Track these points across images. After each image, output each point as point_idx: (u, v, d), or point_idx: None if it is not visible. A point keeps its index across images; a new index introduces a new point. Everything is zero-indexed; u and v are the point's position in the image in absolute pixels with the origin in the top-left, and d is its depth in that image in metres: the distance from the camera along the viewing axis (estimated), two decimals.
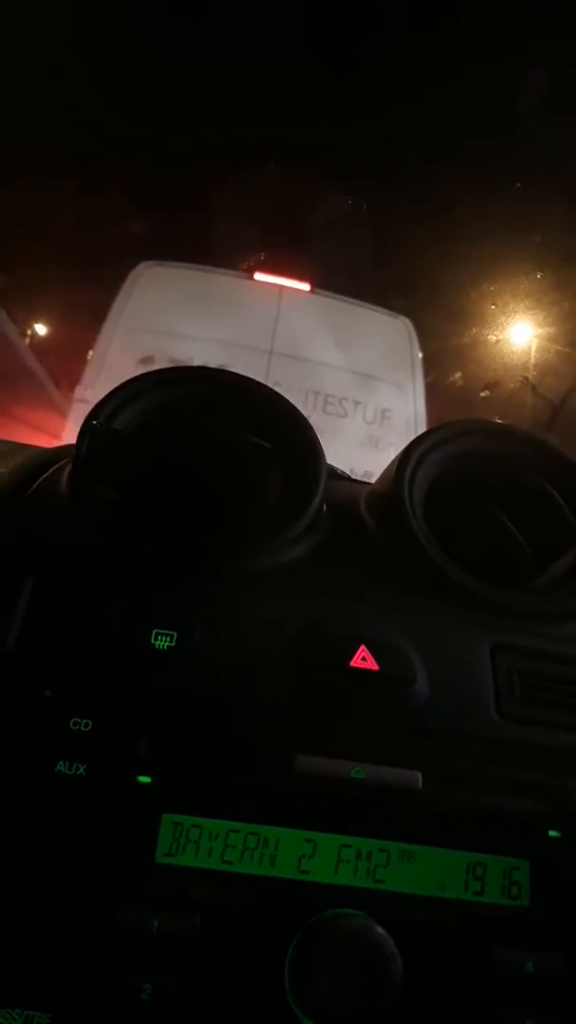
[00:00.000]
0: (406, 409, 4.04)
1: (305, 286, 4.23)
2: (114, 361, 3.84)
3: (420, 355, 4.23)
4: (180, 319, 3.87)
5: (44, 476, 0.69)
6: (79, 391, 3.98)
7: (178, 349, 3.71)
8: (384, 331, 4.25)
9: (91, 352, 4.12)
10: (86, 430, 0.64)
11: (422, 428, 4.08)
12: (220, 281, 4.25)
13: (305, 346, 3.92)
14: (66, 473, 0.67)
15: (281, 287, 4.15)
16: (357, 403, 3.92)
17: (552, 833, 0.54)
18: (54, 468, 0.70)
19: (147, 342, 3.82)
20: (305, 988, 0.46)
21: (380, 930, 0.48)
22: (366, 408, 3.94)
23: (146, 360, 3.75)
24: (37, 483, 0.68)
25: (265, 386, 0.71)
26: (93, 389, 3.90)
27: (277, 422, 0.69)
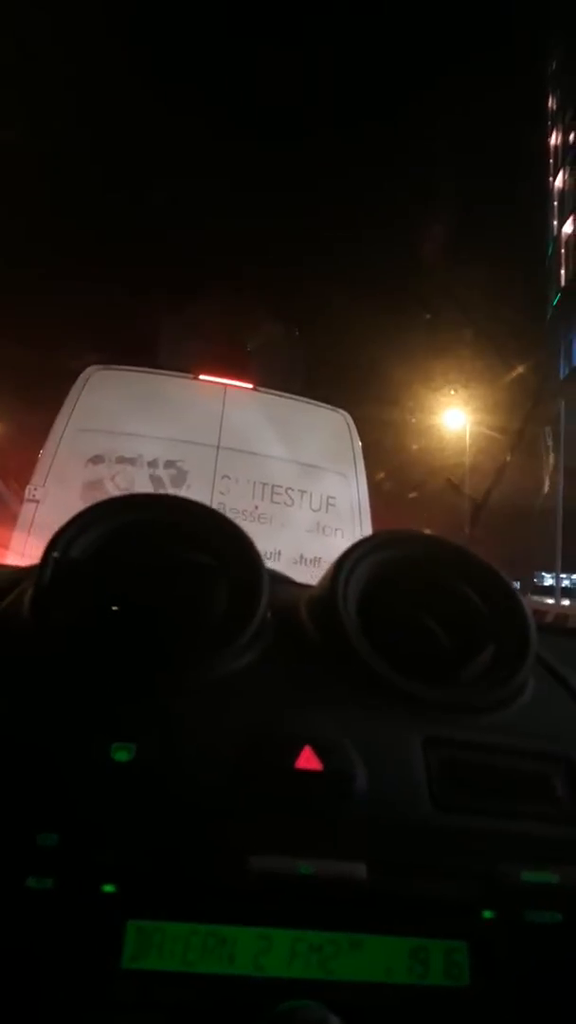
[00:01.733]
0: (350, 496, 4.15)
1: (248, 384, 4.37)
2: (63, 460, 3.86)
3: (360, 444, 4.39)
4: (128, 419, 3.94)
5: (7, 600, 0.73)
6: (29, 491, 4.00)
7: (127, 448, 3.80)
8: (325, 424, 4.39)
9: (41, 452, 4.19)
10: (45, 561, 0.69)
11: (366, 513, 4.17)
12: (166, 382, 4.34)
13: (251, 440, 4.03)
14: (27, 596, 0.71)
15: (225, 386, 4.26)
16: (303, 492, 4.03)
17: (486, 914, 0.57)
18: (17, 591, 0.74)
19: (96, 442, 3.88)
20: None
21: (335, 1019, 0.50)
22: (312, 496, 4.05)
23: (95, 459, 3.80)
24: (2, 605, 0.72)
25: (209, 508, 0.77)
26: (43, 488, 3.94)
27: (222, 541, 0.75)
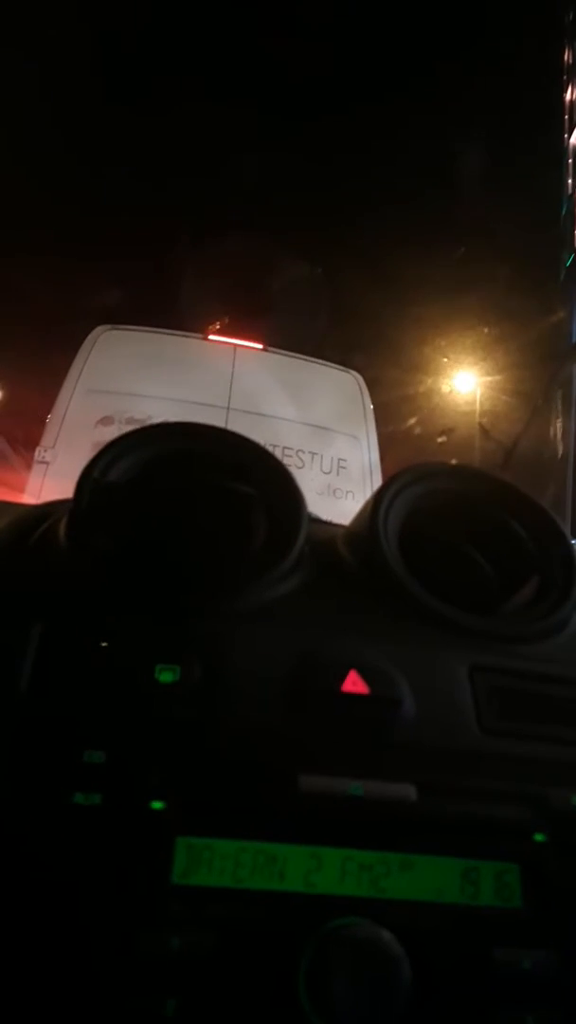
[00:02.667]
0: (361, 459, 4.14)
1: (258, 345, 4.35)
2: (73, 422, 3.84)
3: (371, 407, 4.36)
4: (137, 380, 3.91)
5: (41, 529, 0.72)
6: (39, 453, 3.98)
7: (137, 409, 3.74)
8: (336, 385, 4.37)
9: (49, 415, 4.18)
10: (83, 483, 0.68)
11: (377, 476, 4.16)
12: (176, 342, 4.32)
13: (261, 402, 4.00)
14: (62, 525, 0.70)
15: (235, 346, 4.24)
16: (314, 454, 4.00)
17: (538, 837, 0.57)
18: (49, 521, 0.73)
19: (105, 403, 3.84)
20: (319, 994, 0.48)
21: (387, 935, 0.50)
22: (323, 459, 4.02)
23: (105, 420, 3.76)
24: (35, 536, 0.71)
25: (247, 439, 0.76)
26: (53, 450, 3.93)
27: (261, 472, 0.74)
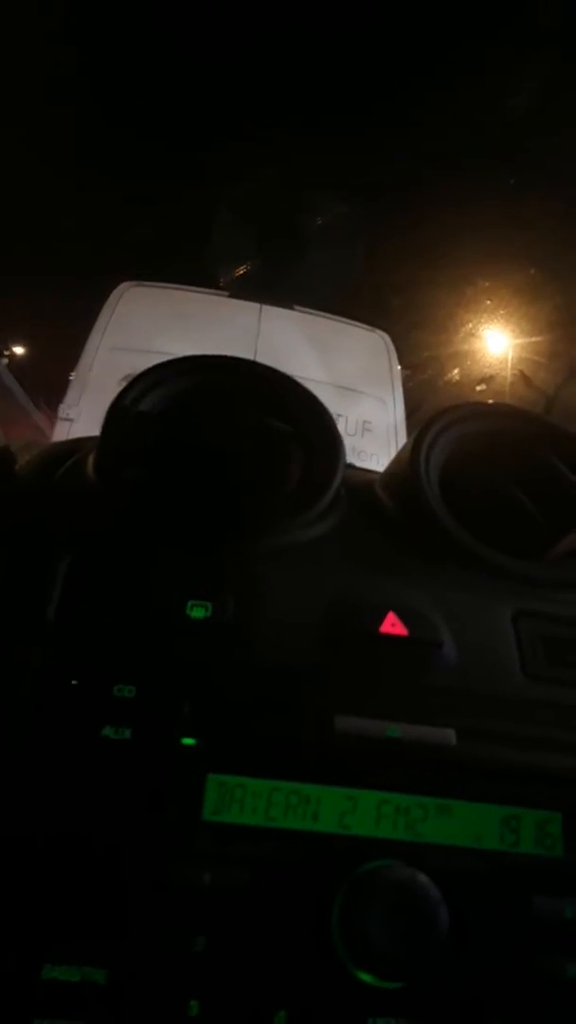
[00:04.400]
0: (387, 420, 4.09)
1: (284, 304, 4.28)
2: (97, 380, 3.84)
3: (398, 368, 4.30)
4: (162, 338, 3.83)
5: (67, 464, 0.70)
6: (62, 410, 3.96)
7: None
8: (362, 346, 4.31)
9: (73, 373, 4.16)
10: (114, 412, 0.66)
11: (402, 438, 4.10)
12: (201, 300, 4.27)
13: (286, 361, 3.93)
14: (89, 460, 0.68)
15: (261, 304, 4.19)
16: (339, 416, 3.94)
17: None
18: (76, 457, 0.71)
19: (130, 360, 3.77)
20: (353, 936, 0.47)
21: (424, 878, 0.49)
22: (347, 421, 3.97)
23: (128, 378, 3.82)
24: (61, 470, 0.69)
25: (286, 375, 0.74)
26: (76, 408, 3.90)
27: (298, 408, 0.72)
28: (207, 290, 4.37)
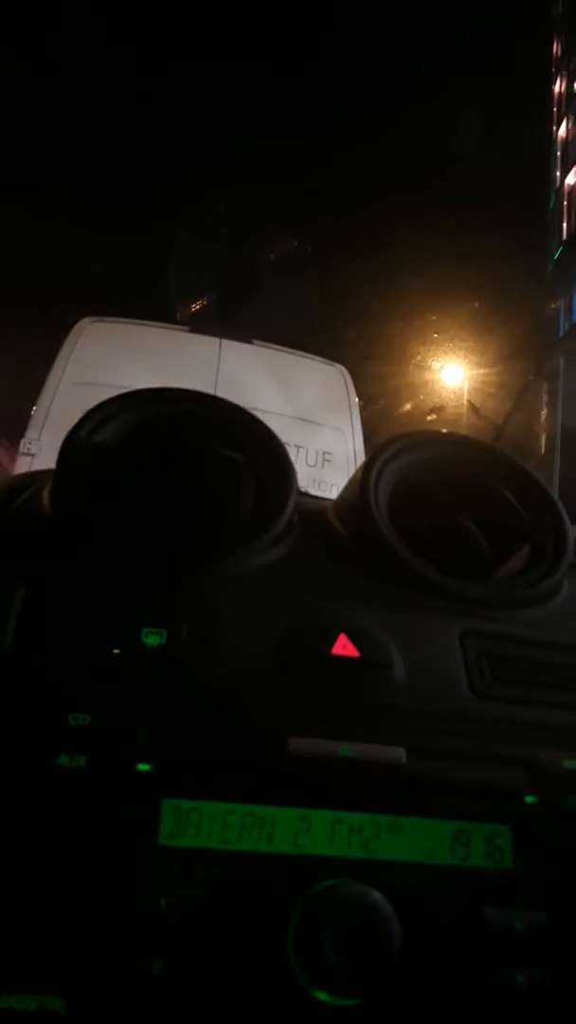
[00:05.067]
0: (346, 451, 4.16)
1: (244, 338, 4.33)
2: (58, 414, 3.84)
3: (356, 400, 4.37)
4: (123, 372, 3.84)
5: (24, 495, 0.71)
6: (23, 445, 3.96)
7: None
8: (322, 378, 4.38)
9: (34, 408, 4.15)
10: (69, 443, 0.68)
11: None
12: (161, 334, 4.32)
13: (246, 394, 3.98)
14: (45, 491, 0.69)
15: (221, 338, 4.22)
16: (299, 447, 3.99)
17: (529, 799, 0.56)
18: (33, 488, 0.72)
19: (91, 395, 3.80)
20: (309, 955, 0.47)
21: (377, 895, 0.49)
22: (308, 452, 4.03)
23: None
24: (18, 501, 0.70)
25: (238, 406, 0.76)
26: (38, 442, 3.90)
27: (250, 438, 0.73)
28: (167, 325, 4.42)
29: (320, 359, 4.51)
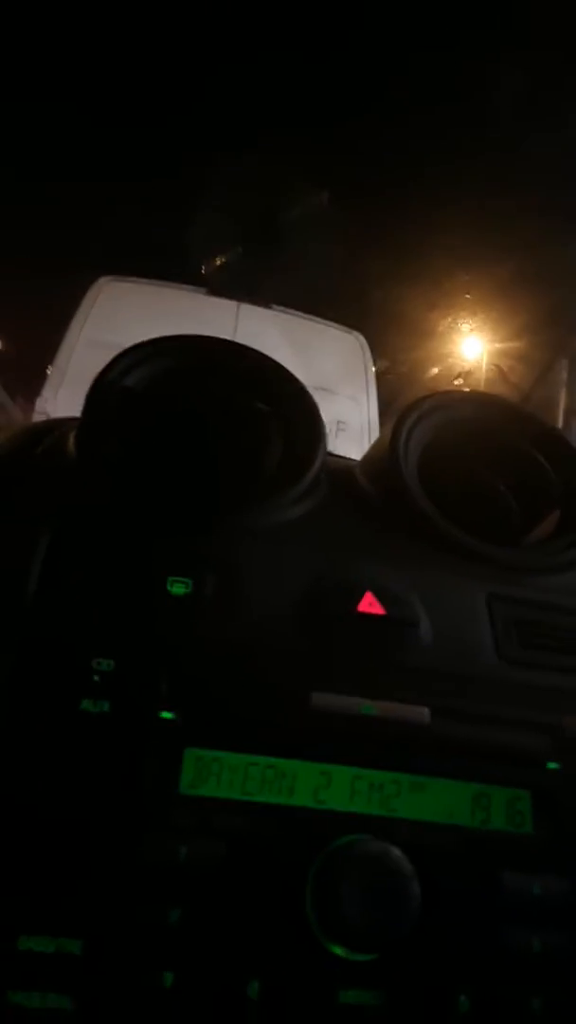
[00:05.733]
0: (361, 420, 4.12)
1: (262, 302, 4.30)
2: (75, 374, 3.83)
3: (373, 368, 4.32)
4: (140, 333, 3.85)
5: (47, 440, 0.70)
6: (39, 404, 3.94)
7: None
8: (339, 346, 4.33)
9: (50, 367, 4.14)
10: (97, 387, 0.66)
11: (376, 436, 4.20)
12: (178, 296, 4.27)
13: None
14: (70, 437, 0.68)
15: (239, 302, 4.21)
16: None
17: (551, 765, 0.56)
18: (56, 434, 0.71)
19: (107, 355, 3.82)
20: (326, 909, 0.47)
21: (397, 852, 0.49)
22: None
23: None
24: (41, 447, 0.69)
25: (271, 359, 0.73)
26: (54, 402, 3.89)
27: (281, 392, 0.72)
28: (185, 286, 4.37)
29: (338, 326, 4.46)
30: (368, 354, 4.35)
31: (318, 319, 4.46)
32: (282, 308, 4.38)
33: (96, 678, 0.52)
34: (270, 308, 4.33)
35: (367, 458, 0.77)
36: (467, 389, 0.77)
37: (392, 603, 0.59)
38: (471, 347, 12.28)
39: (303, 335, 4.26)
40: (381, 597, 0.59)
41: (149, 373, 0.70)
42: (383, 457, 0.72)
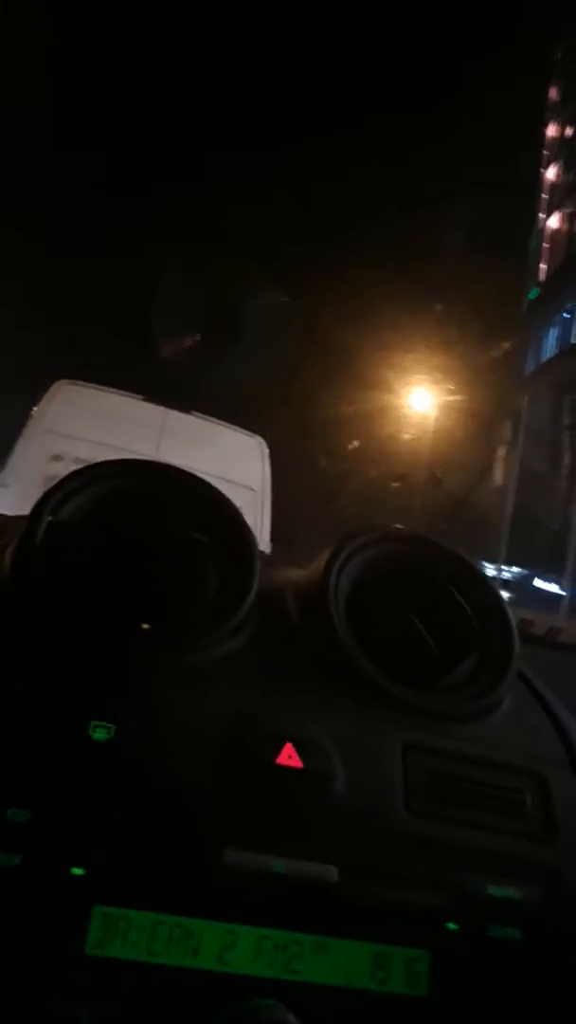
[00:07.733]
0: (255, 514, 4.65)
1: (184, 410, 4.95)
2: (31, 456, 4.41)
3: (269, 470, 4.97)
4: (86, 427, 4.48)
5: None
6: (1, 477, 4.39)
7: (83, 452, 4.22)
8: (243, 447, 5.01)
9: (10, 455, 4.60)
10: (34, 518, 0.59)
11: (266, 532, 4.71)
12: (121, 400, 4.91)
13: (182, 455, 4.49)
14: (9, 551, 0.61)
15: (166, 408, 4.86)
16: None
17: (450, 926, 0.52)
18: (2, 540, 0.63)
19: (58, 444, 4.40)
20: None
21: (293, 1019, 0.46)
22: None
23: (56, 458, 4.33)
24: None
25: (205, 481, 0.67)
26: (14, 476, 4.42)
27: (214, 516, 0.66)
28: (126, 393, 4.98)
29: (243, 431, 5.11)
30: (267, 456, 4.97)
31: (227, 424, 5.06)
32: (200, 415, 5.00)
33: (10, 829, 0.46)
34: (191, 414, 4.97)
35: (299, 588, 0.71)
36: (397, 527, 0.85)
37: (310, 756, 0.54)
38: (419, 400, 12.66)
39: (214, 436, 4.89)
40: (300, 749, 0.54)
41: (83, 502, 0.64)
42: (314, 592, 0.67)
